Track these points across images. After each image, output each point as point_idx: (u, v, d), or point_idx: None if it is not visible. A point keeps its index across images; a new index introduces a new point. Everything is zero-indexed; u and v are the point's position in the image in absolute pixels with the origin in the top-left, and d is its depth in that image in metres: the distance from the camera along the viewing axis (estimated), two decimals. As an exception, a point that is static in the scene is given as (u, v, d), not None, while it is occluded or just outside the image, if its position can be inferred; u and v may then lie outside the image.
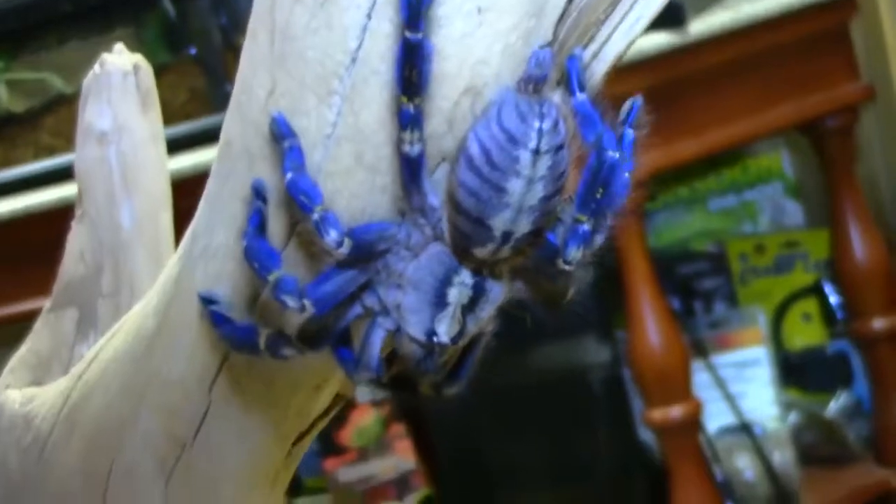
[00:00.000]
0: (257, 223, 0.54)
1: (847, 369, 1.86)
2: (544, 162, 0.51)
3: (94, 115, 0.80)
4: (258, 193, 0.55)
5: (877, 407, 1.80)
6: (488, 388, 1.71)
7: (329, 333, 0.55)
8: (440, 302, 0.54)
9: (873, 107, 1.83)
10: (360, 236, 0.53)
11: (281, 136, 0.53)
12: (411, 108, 0.51)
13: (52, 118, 1.78)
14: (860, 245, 1.75)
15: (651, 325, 1.65)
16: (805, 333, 1.88)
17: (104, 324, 0.80)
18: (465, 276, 0.54)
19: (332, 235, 0.52)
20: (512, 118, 0.51)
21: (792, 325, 1.88)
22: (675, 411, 1.64)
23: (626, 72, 1.62)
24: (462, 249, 0.53)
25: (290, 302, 0.52)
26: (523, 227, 0.52)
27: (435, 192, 0.53)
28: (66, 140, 1.76)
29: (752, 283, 1.90)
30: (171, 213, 0.83)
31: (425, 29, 0.50)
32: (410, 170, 0.52)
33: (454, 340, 0.54)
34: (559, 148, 0.51)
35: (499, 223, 0.51)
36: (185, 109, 1.70)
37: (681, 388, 1.65)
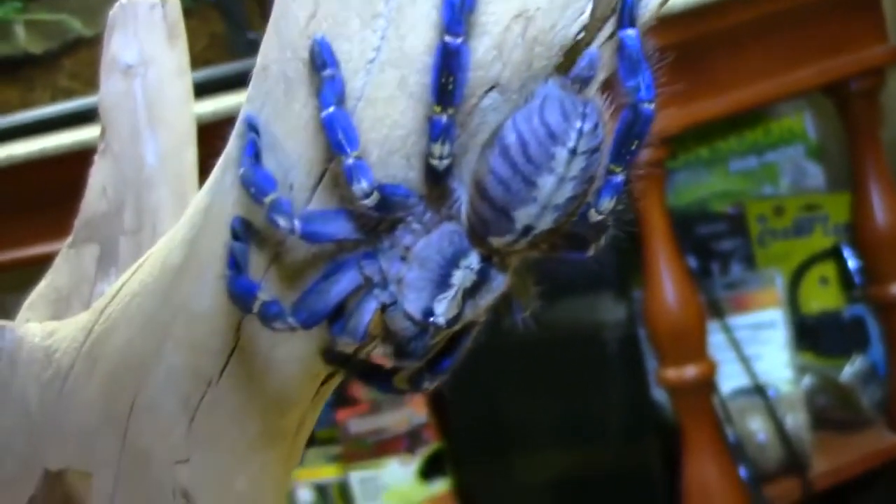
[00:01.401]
0: (252, 152, 0.53)
1: (863, 334, 1.85)
2: (579, 163, 0.51)
3: (119, 47, 0.78)
4: (251, 126, 0.54)
5: (891, 372, 1.79)
6: (503, 343, 1.70)
7: (323, 308, 0.54)
8: (444, 282, 0.53)
9: (900, 70, 1.82)
10: (389, 193, 0.52)
11: (322, 63, 0.52)
12: (444, 118, 0.50)
13: (71, 60, 1.77)
14: (881, 209, 1.74)
15: (668, 285, 1.64)
16: (822, 297, 1.87)
17: (125, 261, 0.79)
18: (474, 261, 0.54)
19: (362, 184, 0.51)
20: (555, 114, 0.51)
21: (809, 288, 1.87)
22: (690, 371, 1.64)
23: (652, 29, 1.60)
24: (478, 235, 0.53)
25: (282, 222, 0.52)
26: (545, 223, 0.52)
27: (458, 178, 0.53)
28: (83, 83, 1.75)
29: (770, 246, 1.88)
30: (195, 150, 0.82)
31: (466, 33, 0.49)
32: (435, 177, 0.52)
33: (449, 323, 0.54)
34: (595, 151, 0.51)
35: (522, 216, 0.51)
36: (204, 55, 1.69)
37: (696, 348, 1.64)
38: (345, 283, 0.54)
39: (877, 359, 1.83)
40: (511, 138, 0.51)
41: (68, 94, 1.75)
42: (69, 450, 0.69)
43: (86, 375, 0.67)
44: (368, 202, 0.51)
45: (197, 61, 1.65)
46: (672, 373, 1.64)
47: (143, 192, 0.80)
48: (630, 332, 1.72)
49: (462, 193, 0.53)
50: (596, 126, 0.51)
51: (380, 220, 0.53)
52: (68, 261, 0.81)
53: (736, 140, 1.89)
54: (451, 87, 0.50)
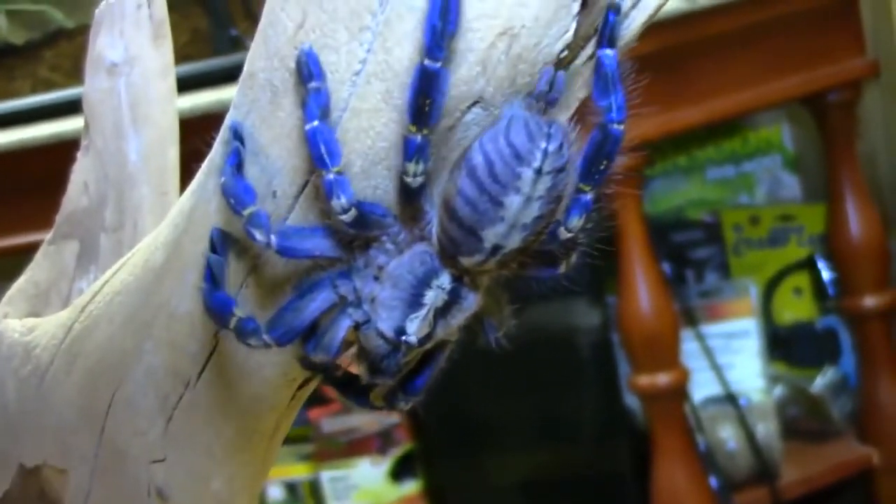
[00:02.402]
0: (235, 162, 0.54)
1: (835, 345, 1.86)
2: (544, 182, 0.51)
3: (105, 45, 0.78)
4: (235, 134, 0.55)
5: (863, 384, 1.80)
6: (476, 345, 1.71)
7: (297, 325, 0.55)
8: (416, 301, 0.54)
9: (877, 83, 1.82)
10: (366, 211, 0.53)
11: (308, 75, 0.52)
12: (419, 137, 0.51)
13: (52, 51, 1.77)
14: (856, 221, 1.75)
15: (642, 291, 1.65)
16: (795, 308, 1.88)
17: (105, 258, 0.79)
18: (445, 281, 0.55)
19: (341, 200, 0.52)
20: (520, 135, 0.51)
21: (783, 298, 1.88)
22: (662, 378, 1.64)
23: (631, 47, 1.60)
24: (448, 255, 0.54)
25: (258, 236, 0.53)
26: (513, 242, 0.52)
27: (430, 199, 0.53)
28: (64, 74, 1.75)
29: (745, 255, 1.89)
30: (178, 149, 0.82)
31: (445, 58, 0.50)
32: (408, 195, 0.53)
33: (421, 342, 0.55)
34: (560, 170, 0.52)
35: (490, 236, 0.52)
36: (185, 51, 1.69)
37: (669, 356, 1.65)
38: (319, 301, 0.55)
39: (848, 370, 1.84)
40: (478, 159, 0.52)
41: (49, 85, 1.74)
42: (46, 446, 0.69)
43: (64, 372, 0.67)
44: (346, 218, 0.52)
45: (178, 56, 1.65)
46: (644, 379, 1.65)
47: (125, 189, 0.80)
48: (603, 337, 1.73)
49: (433, 215, 0.54)
50: (561, 146, 0.52)
51: (355, 237, 0.54)
52: (48, 256, 0.81)
53: (713, 149, 1.90)
54: (427, 108, 0.50)
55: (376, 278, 0.55)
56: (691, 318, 1.79)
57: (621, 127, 0.53)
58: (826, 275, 1.87)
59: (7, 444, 0.71)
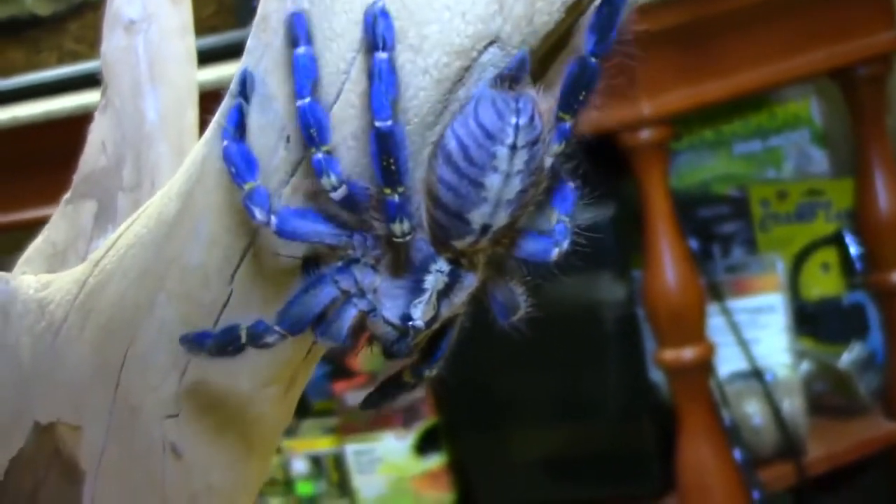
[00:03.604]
0: (236, 121, 0.54)
1: (862, 321, 1.85)
2: (521, 157, 0.52)
3: (122, 2, 0.78)
4: (242, 87, 0.54)
5: (890, 360, 1.79)
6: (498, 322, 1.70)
7: (305, 317, 0.55)
8: (417, 288, 0.55)
9: (907, 57, 1.81)
10: (356, 190, 0.53)
11: (296, 39, 0.52)
12: (396, 197, 0.52)
13: (77, 23, 1.77)
14: (884, 196, 1.73)
15: (668, 265, 1.64)
16: (822, 283, 1.87)
17: (123, 218, 0.79)
18: (443, 264, 0.55)
19: (331, 178, 0.52)
20: (489, 114, 0.52)
21: (810, 274, 1.87)
22: (688, 353, 1.63)
23: (657, 8, 1.59)
24: (440, 240, 0.54)
25: (258, 214, 0.53)
26: (501, 219, 0.53)
27: (415, 187, 0.54)
28: (89, 46, 1.75)
29: (772, 230, 1.88)
30: (196, 110, 0.81)
31: (394, 115, 0.50)
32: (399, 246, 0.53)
33: (428, 324, 0.56)
34: (535, 142, 0.52)
35: (477, 217, 0.52)
36: (210, 22, 1.69)
37: (694, 330, 1.64)
38: (322, 296, 0.55)
39: (876, 346, 1.83)
40: (452, 144, 0.52)
41: (74, 56, 1.75)
42: (60, 403, 0.69)
43: (78, 328, 0.67)
44: (336, 196, 0.52)
45: (204, 28, 1.66)
46: (670, 354, 1.64)
47: (142, 148, 0.80)
48: (629, 311, 1.72)
49: (419, 201, 0.54)
50: (532, 118, 0.52)
51: (349, 219, 0.54)
52: (65, 216, 0.81)
53: (740, 123, 1.89)
54: (394, 167, 0.51)
55: (374, 269, 0.55)
56: (717, 293, 1.78)
57: (598, 60, 0.53)
58: (854, 250, 1.85)
59: (21, 402, 0.70)
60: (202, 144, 0.59)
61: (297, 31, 0.52)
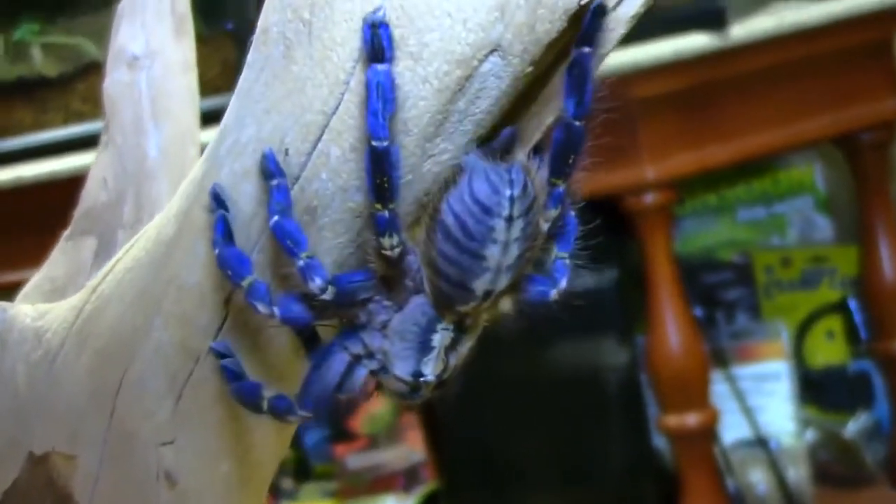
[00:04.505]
0: (223, 230, 0.56)
1: (868, 390, 1.84)
2: (518, 226, 0.53)
3: (126, 37, 0.78)
4: (217, 201, 0.56)
5: (896, 429, 1.78)
6: (503, 382, 1.69)
7: (325, 394, 0.57)
8: (425, 347, 0.57)
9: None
10: (344, 285, 0.55)
11: (269, 174, 0.54)
12: (386, 213, 0.53)
13: (84, 84, 1.77)
14: (889, 263, 1.73)
15: (672, 330, 1.63)
16: (827, 351, 1.86)
17: (123, 254, 0.79)
18: (448, 325, 0.57)
19: (316, 282, 0.54)
20: (483, 188, 0.53)
21: (815, 341, 1.86)
22: (691, 419, 1.62)
23: (662, 71, 1.60)
24: (444, 305, 0.56)
25: (261, 308, 0.54)
26: (503, 283, 0.55)
27: (413, 251, 0.55)
28: (96, 106, 1.75)
29: (776, 297, 1.87)
30: (198, 147, 0.81)
31: (390, 136, 0.51)
32: (390, 262, 0.55)
33: (439, 377, 0.57)
34: (530, 209, 0.54)
35: (479, 285, 0.54)
36: (215, 83, 1.69)
37: (698, 396, 1.63)
38: (336, 365, 0.57)
39: (881, 415, 1.82)
40: (449, 220, 0.53)
41: (81, 117, 1.75)
42: (55, 432, 0.68)
43: (75, 354, 0.66)
44: (327, 297, 0.54)
45: (209, 88, 1.66)
46: (673, 419, 1.63)
47: (143, 184, 0.80)
48: (632, 376, 1.71)
49: (420, 267, 0.56)
50: (525, 188, 0.53)
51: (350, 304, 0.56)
52: (65, 252, 0.81)
53: (744, 189, 1.89)
54: (386, 185, 0.52)
55: (382, 334, 0.57)
56: (722, 360, 1.77)
57: (582, 123, 0.54)
58: (859, 318, 1.84)
59: (17, 432, 0.69)
60: (200, 164, 0.59)
61: (271, 167, 0.54)
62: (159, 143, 0.79)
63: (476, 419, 1.72)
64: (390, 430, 1.78)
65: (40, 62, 1.78)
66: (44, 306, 0.70)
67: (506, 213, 0.53)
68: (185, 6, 0.80)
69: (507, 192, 0.53)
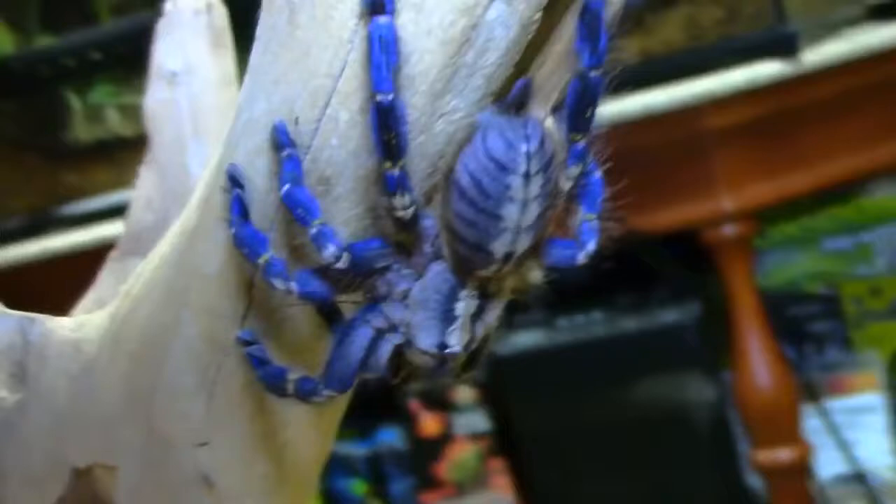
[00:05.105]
0: (239, 209, 0.54)
1: (967, 419, 1.78)
2: (536, 183, 0.51)
3: (164, 55, 0.78)
4: (233, 180, 0.55)
5: None
6: (588, 425, 1.67)
7: (349, 372, 0.55)
8: (449, 317, 0.55)
9: None
10: (359, 252, 0.53)
11: (279, 145, 0.53)
12: (396, 171, 0.51)
13: (159, 142, 1.79)
14: (982, 287, 1.69)
15: (758, 363, 1.61)
16: (923, 381, 1.81)
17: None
18: (470, 292, 0.55)
19: (329, 249, 0.52)
20: (497, 144, 0.51)
21: (909, 372, 1.81)
22: (783, 454, 1.60)
23: (736, 101, 1.58)
24: (465, 270, 0.54)
25: (278, 284, 0.53)
26: (523, 244, 0.53)
27: (430, 215, 0.54)
28: (170, 163, 1.77)
29: (867, 327, 1.83)
30: (241, 162, 0.81)
31: (395, 90, 0.50)
32: (404, 225, 0.53)
33: (466, 348, 0.55)
34: (548, 165, 0.52)
35: (499, 247, 0.52)
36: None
37: (789, 430, 1.60)
38: (359, 340, 0.55)
39: (984, 446, 1.76)
40: (465, 180, 0.51)
41: (157, 176, 1.76)
42: (95, 444, 0.67)
43: (110, 361, 0.65)
44: (342, 265, 0.52)
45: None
46: (765, 455, 1.60)
47: (187, 203, 0.79)
48: (720, 413, 1.68)
49: (440, 236, 0.54)
50: (542, 143, 0.51)
51: (367, 273, 0.54)
52: (113, 273, 0.81)
53: (827, 219, 1.85)
54: (394, 141, 0.50)
55: (404, 305, 0.55)
56: (813, 393, 1.73)
57: (598, 73, 0.52)
58: (954, 345, 1.79)
59: (59, 448, 0.69)
60: (220, 148, 0.58)
61: (281, 137, 0.53)
62: (202, 160, 0.79)
63: (563, 463, 1.70)
64: (477, 477, 1.76)
65: (117, 123, 1.80)
66: (83, 317, 0.70)
67: (522, 169, 0.51)
68: (223, 20, 0.80)
69: (523, 147, 0.51)
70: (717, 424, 1.67)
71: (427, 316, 0.54)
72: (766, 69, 1.58)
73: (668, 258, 1.71)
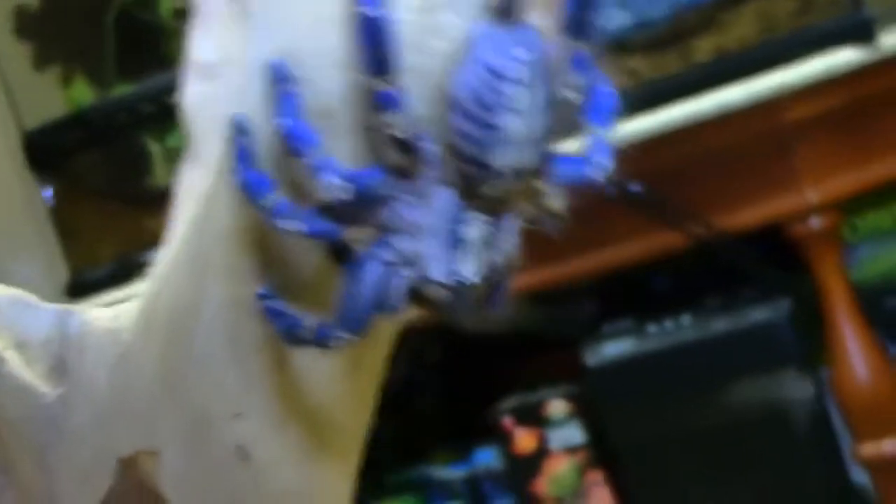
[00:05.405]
0: (243, 156, 0.54)
1: None
2: (534, 91, 0.50)
3: (200, 48, 0.78)
4: (239, 129, 0.55)
5: None
6: (685, 432, 1.64)
7: (364, 310, 0.54)
8: (458, 242, 0.53)
9: None
10: (362, 181, 0.52)
11: (279, 79, 0.52)
12: (389, 89, 0.50)
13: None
14: None
15: (856, 356, 1.59)
16: None
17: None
18: (480, 215, 0.53)
19: (333, 180, 0.51)
20: (490, 52, 0.50)
21: None
22: (888, 445, 1.56)
23: (815, 91, 1.56)
24: (472, 191, 0.52)
25: (287, 225, 0.53)
26: (527, 159, 0.51)
27: (430, 138, 0.52)
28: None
29: (970, 314, 1.78)
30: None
31: (382, 3, 0.49)
32: (404, 146, 0.52)
33: (484, 278, 0.53)
34: (546, 73, 0.50)
35: (499, 159, 0.51)
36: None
37: (892, 421, 1.57)
38: (370, 278, 0.53)
39: None
40: (460, 92, 0.50)
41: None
42: (137, 430, 0.66)
43: (143, 344, 0.64)
44: (344, 196, 0.52)
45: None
46: (869, 448, 1.58)
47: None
48: (820, 409, 1.64)
49: (443, 157, 0.52)
50: (537, 49, 0.50)
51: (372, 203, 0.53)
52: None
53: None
54: (384, 56, 0.49)
55: (412, 235, 0.53)
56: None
57: None
58: None
59: (104, 440, 0.68)
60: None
61: (277, 73, 0.52)
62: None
63: (662, 472, 1.67)
64: (576, 491, 1.74)
65: (160, 174, 1.82)
66: (121, 306, 0.70)
67: (516, 76, 0.49)
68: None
69: (516, 54, 0.49)
70: (818, 421, 1.64)
71: (435, 244, 0.53)
72: (843, 57, 1.55)
73: (755, 256, 1.68)
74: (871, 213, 1.78)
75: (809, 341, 1.64)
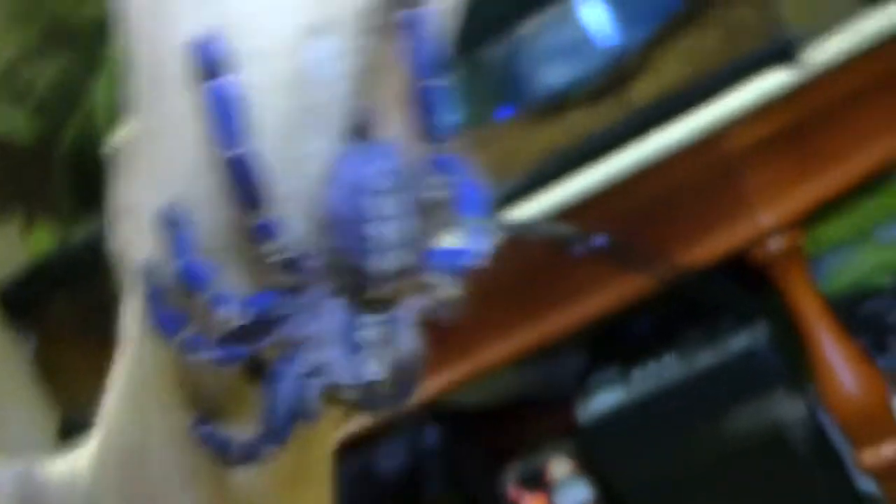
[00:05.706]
0: (156, 298, 0.55)
1: None
2: (393, 199, 0.52)
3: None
4: (147, 273, 0.56)
5: None
6: (686, 464, 1.65)
7: (282, 423, 0.56)
8: (356, 347, 0.55)
9: None
10: (258, 304, 0.54)
11: (171, 222, 0.54)
12: (263, 219, 0.52)
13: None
14: None
15: (841, 368, 1.60)
16: None
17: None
18: (369, 317, 0.55)
19: (231, 307, 0.53)
20: (351, 170, 0.52)
21: None
22: (888, 449, 1.57)
23: (754, 117, 1.58)
24: (360, 296, 0.54)
25: (196, 358, 0.54)
26: (408, 259, 0.53)
27: (314, 256, 0.54)
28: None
29: (946, 310, 1.79)
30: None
31: (243, 140, 0.50)
32: (287, 269, 0.53)
33: (388, 371, 0.55)
34: (405, 180, 0.52)
35: (382, 266, 0.53)
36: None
37: (887, 424, 1.58)
38: (284, 390, 0.55)
39: None
40: (330, 210, 0.52)
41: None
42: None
43: (101, 489, 0.66)
44: (245, 321, 0.53)
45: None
46: (869, 455, 1.58)
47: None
48: (815, 426, 1.65)
49: (323, 272, 0.54)
50: (392, 159, 0.52)
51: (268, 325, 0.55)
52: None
53: (874, 209, 1.82)
54: (253, 191, 0.51)
55: (314, 347, 0.55)
56: (903, 383, 1.70)
57: (427, 80, 0.52)
58: None
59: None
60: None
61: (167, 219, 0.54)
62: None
63: (669, 495, 1.67)
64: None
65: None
66: (78, 451, 0.71)
67: (379, 187, 0.52)
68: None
69: (378, 167, 0.52)
70: (816, 437, 1.64)
71: (337, 351, 0.55)
72: (773, 80, 1.58)
73: (724, 287, 1.69)
74: (831, 224, 1.80)
75: (793, 360, 1.64)
